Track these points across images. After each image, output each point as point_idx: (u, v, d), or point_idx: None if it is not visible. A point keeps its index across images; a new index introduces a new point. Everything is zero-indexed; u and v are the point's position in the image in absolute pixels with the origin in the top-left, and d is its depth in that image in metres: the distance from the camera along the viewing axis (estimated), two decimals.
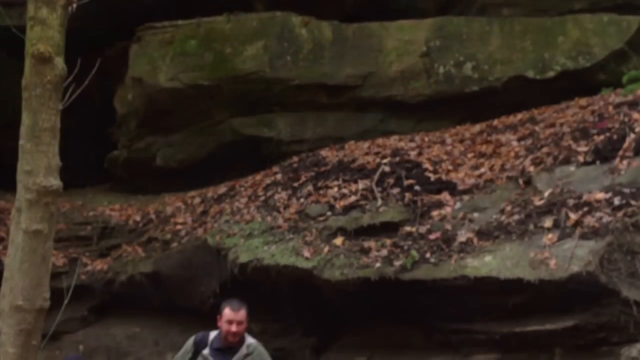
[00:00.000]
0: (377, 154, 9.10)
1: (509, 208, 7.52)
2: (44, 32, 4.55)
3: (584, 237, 6.77)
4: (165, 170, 11.36)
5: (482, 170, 8.33)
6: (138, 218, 10.13)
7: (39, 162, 4.61)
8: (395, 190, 8.17)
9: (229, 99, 10.92)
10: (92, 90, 9.02)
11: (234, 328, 6.32)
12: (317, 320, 8.18)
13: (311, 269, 7.49)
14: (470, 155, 8.77)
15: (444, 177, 8.31)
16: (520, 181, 7.86)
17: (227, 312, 6.39)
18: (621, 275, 6.62)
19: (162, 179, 11.26)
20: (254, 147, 10.83)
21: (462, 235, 7.34)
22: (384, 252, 7.41)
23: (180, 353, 6.53)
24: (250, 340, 6.54)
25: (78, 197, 10.92)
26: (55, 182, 4.65)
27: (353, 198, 8.23)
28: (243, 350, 6.43)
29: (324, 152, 9.70)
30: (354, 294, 7.48)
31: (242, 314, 6.42)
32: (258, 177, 9.86)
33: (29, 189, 4.58)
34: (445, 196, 8.07)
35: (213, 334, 6.50)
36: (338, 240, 7.87)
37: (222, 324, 6.36)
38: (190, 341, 6.56)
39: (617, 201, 6.98)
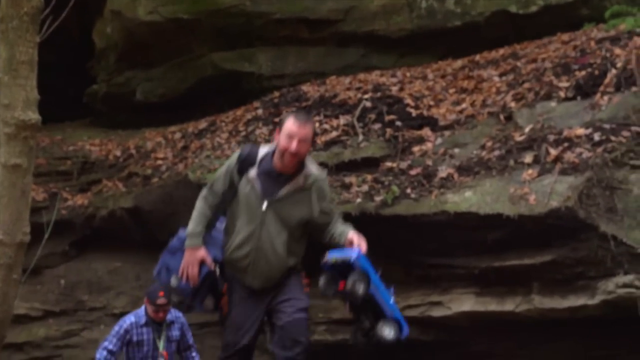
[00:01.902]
0: (358, 89, 9.07)
1: (489, 144, 7.53)
2: None
3: (563, 172, 6.81)
4: (145, 105, 11.29)
5: (464, 105, 8.32)
6: (118, 153, 10.09)
7: (17, 96, 4.58)
8: (377, 126, 8.16)
9: (209, 33, 10.81)
10: (70, 24, 8.91)
11: (294, 146, 5.16)
12: None
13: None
14: (451, 90, 8.75)
15: (425, 112, 8.30)
16: (501, 117, 7.86)
17: (290, 123, 5.24)
18: (599, 211, 6.68)
19: (142, 113, 11.19)
20: (235, 82, 10.76)
21: (443, 171, 7.36)
22: (365, 187, 7.43)
23: (222, 171, 5.58)
24: (312, 168, 5.46)
25: (57, 131, 10.85)
26: (34, 115, 4.62)
27: (334, 133, 8.22)
28: (299, 180, 5.38)
29: (305, 87, 9.65)
30: None
31: (308, 129, 5.28)
32: (239, 112, 9.82)
33: (7, 123, 4.56)
34: (426, 132, 8.07)
35: (264, 150, 5.40)
36: None
37: (281, 138, 5.22)
38: (234, 157, 5.54)
39: (597, 137, 7.00)
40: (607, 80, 7.55)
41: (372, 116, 8.29)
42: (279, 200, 5.45)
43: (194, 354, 7.37)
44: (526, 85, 8.14)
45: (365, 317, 5.61)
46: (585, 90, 7.63)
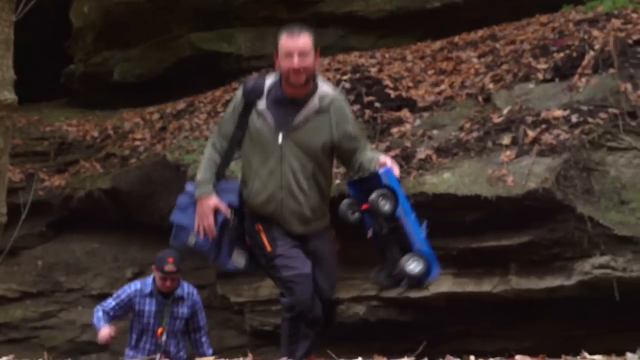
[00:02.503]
0: (337, 70, 9.05)
1: (468, 125, 7.55)
2: None
3: (541, 154, 6.83)
4: (123, 85, 11.22)
5: (443, 87, 8.33)
6: (96, 134, 10.04)
7: None
8: (356, 107, 8.15)
9: (188, 13, 10.74)
10: (47, 3, 8.83)
11: (295, 62, 4.74)
12: None
13: None
14: (430, 72, 8.76)
15: (404, 94, 8.30)
16: (480, 99, 7.88)
17: (284, 40, 4.83)
18: (577, 192, 6.71)
19: (120, 94, 11.12)
20: (214, 62, 10.71)
21: (422, 153, 7.37)
22: (343, 169, 7.43)
23: (228, 112, 5.13)
24: (326, 88, 4.97)
25: (34, 112, 10.77)
26: (10, 96, 4.58)
27: None
28: (314, 103, 4.88)
29: None
30: None
31: (306, 39, 4.81)
32: (218, 93, 9.78)
33: None
34: (405, 113, 8.07)
35: (270, 79, 4.98)
36: None
37: (281, 62, 4.82)
38: (239, 93, 5.06)
39: (575, 119, 7.03)
40: (585, 63, 7.57)
41: (351, 97, 8.29)
42: (296, 129, 4.88)
43: (204, 338, 7.08)
44: (505, 67, 8.15)
45: (391, 253, 4.89)
46: (563, 73, 7.66)
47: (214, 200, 4.97)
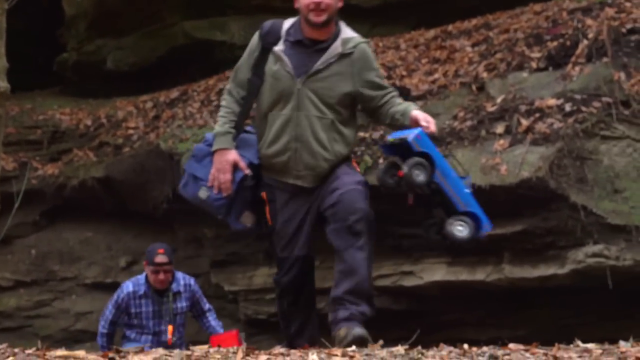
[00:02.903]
0: None
1: (461, 114, 7.54)
2: None
3: (534, 143, 6.84)
4: (116, 73, 11.18)
5: (436, 76, 8.32)
6: (89, 122, 10.01)
7: None
8: None
9: (181, 1, 10.70)
10: None
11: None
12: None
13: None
14: (424, 61, 8.74)
15: (397, 82, 8.29)
16: (474, 87, 7.87)
17: None
18: (570, 181, 6.72)
19: (113, 82, 11.09)
20: (207, 51, 10.68)
21: None
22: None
23: (244, 57, 4.87)
24: (349, 32, 4.70)
25: (27, 100, 10.73)
26: (3, 84, 4.56)
27: None
28: (336, 46, 4.57)
29: None
30: None
31: None
32: (211, 81, 9.76)
33: None
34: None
35: (289, 21, 4.70)
36: None
37: (301, 4, 4.56)
38: (255, 36, 4.81)
39: (568, 107, 7.03)
40: (578, 51, 7.57)
41: None
42: (315, 75, 4.54)
43: (210, 317, 6.85)
44: (498, 55, 8.15)
45: (437, 212, 4.63)
46: (556, 61, 7.65)
47: (233, 155, 4.60)
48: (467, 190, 4.60)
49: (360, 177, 4.68)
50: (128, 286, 6.62)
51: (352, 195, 4.51)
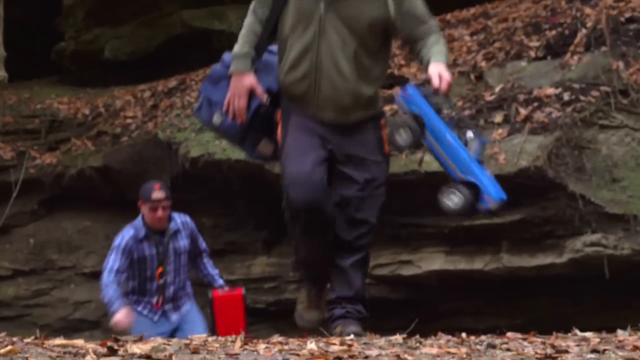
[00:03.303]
0: None
1: (460, 103, 7.54)
2: None
3: (533, 132, 6.84)
4: (114, 63, 11.16)
5: None
6: (87, 111, 9.99)
7: None
8: None
9: None
10: None
11: None
12: (268, 214, 8.22)
13: (262, 163, 7.49)
14: None
15: (396, 71, 8.28)
16: (472, 76, 7.86)
17: None
18: (568, 170, 6.73)
19: (111, 71, 11.07)
20: (205, 40, 10.66)
21: None
22: None
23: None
24: None
25: (25, 89, 10.71)
26: (1, 72, 4.56)
27: None
28: None
29: (275, 46, 9.57)
30: None
31: None
32: (209, 70, 9.73)
33: None
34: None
35: None
36: None
37: None
38: None
39: (566, 96, 7.03)
40: (577, 40, 7.56)
41: None
42: None
43: (205, 259, 6.49)
44: (497, 44, 8.13)
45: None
46: (555, 50, 7.64)
47: (250, 80, 4.25)
48: (474, 157, 4.09)
49: (385, 170, 4.27)
50: (129, 231, 6.19)
51: (368, 203, 4.20)
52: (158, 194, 6.09)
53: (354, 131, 4.20)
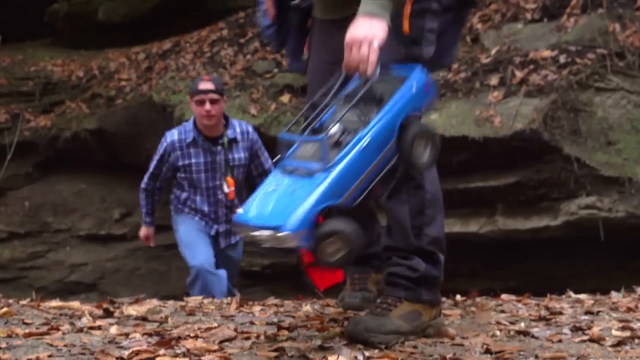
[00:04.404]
0: None
1: (455, 66, 7.51)
2: None
3: (529, 94, 6.82)
4: (108, 24, 11.08)
5: None
6: (81, 74, 9.94)
7: None
8: None
9: None
10: None
11: None
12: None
13: (258, 126, 7.47)
14: None
15: None
16: (468, 39, 7.83)
17: None
18: (564, 133, 6.72)
19: (105, 33, 10.99)
20: (200, 1, 10.59)
21: None
22: None
23: None
24: None
25: (18, 51, 10.65)
26: None
27: None
28: None
29: None
30: None
31: None
32: (204, 32, 9.69)
33: None
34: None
35: None
36: (285, 98, 7.82)
37: None
38: None
39: (562, 59, 7.01)
40: (573, 2, 7.52)
41: None
42: None
43: None
44: (493, 6, 8.09)
45: None
46: (551, 12, 7.61)
47: None
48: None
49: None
50: (172, 134, 5.46)
51: None
52: (206, 84, 5.37)
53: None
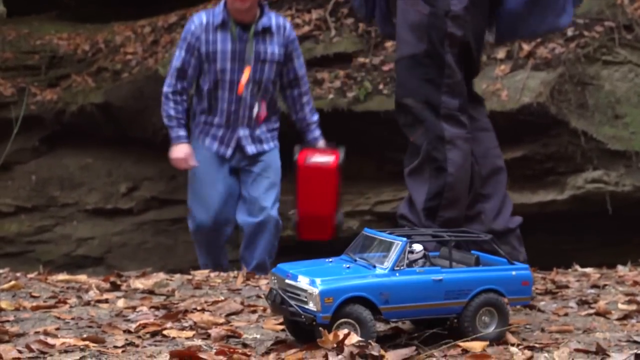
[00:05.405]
0: None
1: None
2: None
3: (536, 68, 6.79)
4: None
5: None
6: (87, 47, 9.92)
7: None
8: (349, 21, 8.06)
9: None
10: None
11: None
12: None
13: None
14: None
15: None
16: None
17: None
18: (571, 107, 6.70)
19: (111, 6, 10.96)
20: None
21: None
22: (337, 83, 7.38)
23: None
24: None
25: (23, 25, 10.62)
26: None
27: (306, 28, 8.12)
28: None
29: None
30: None
31: None
32: (209, 5, 9.64)
33: None
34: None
35: None
36: None
37: None
38: None
39: (570, 32, 6.97)
40: None
41: (345, 10, 8.18)
42: None
43: (304, 96, 5.04)
44: None
45: None
46: None
47: None
48: None
49: None
50: (200, 16, 4.94)
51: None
52: None
53: None
